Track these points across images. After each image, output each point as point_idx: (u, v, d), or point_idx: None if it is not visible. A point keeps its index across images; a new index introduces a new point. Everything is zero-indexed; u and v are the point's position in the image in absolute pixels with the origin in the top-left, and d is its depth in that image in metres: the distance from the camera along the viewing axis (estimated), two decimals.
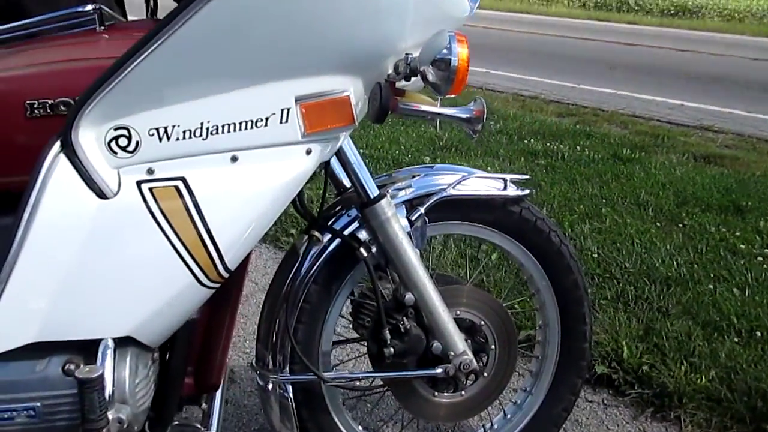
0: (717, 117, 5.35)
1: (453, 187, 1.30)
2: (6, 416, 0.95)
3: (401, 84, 1.09)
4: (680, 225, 2.95)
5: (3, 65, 1.05)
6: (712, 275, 2.45)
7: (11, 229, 0.90)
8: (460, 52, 0.98)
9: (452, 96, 1.05)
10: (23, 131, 1.00)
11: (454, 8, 1.11)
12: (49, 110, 0.99)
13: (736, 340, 2.03)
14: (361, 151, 3.76)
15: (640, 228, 2.86)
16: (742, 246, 2.72)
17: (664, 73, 7.47)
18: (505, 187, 1.34)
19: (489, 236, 1.39)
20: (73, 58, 1.05)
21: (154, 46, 0.90)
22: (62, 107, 0.99)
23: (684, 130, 4.88)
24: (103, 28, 1.12)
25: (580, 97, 5.82)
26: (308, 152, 1.05)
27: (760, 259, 2.62)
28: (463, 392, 1.37)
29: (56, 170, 0.91)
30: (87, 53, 1.06)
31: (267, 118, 1.00)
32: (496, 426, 1.50)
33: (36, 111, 0.99)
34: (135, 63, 0.90)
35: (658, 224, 2.94)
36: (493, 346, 1.38)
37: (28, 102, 0.99)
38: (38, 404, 0.95)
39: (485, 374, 1.38)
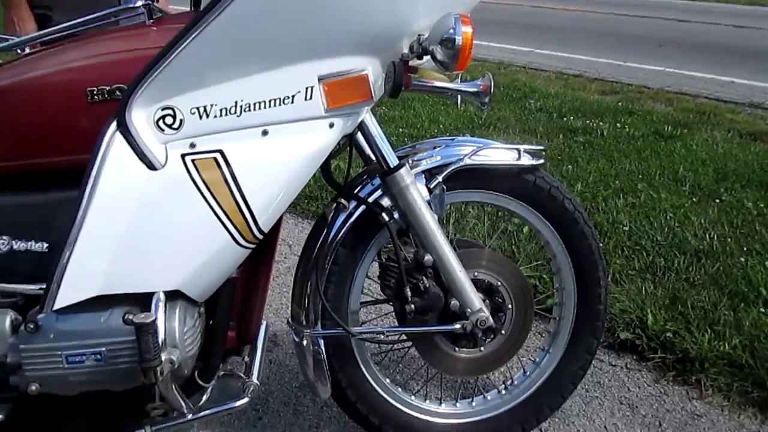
0: None
1: (469, 157, 1.40)
2: (78, 360, 1.11)
3: (414, 62, 1.20)
4: (717, 200, 2.96)
5: (67, 57, 1.20)
6: (744, 248, 2.47)
7: (76, 200, 1.06)
8: (465, 32, 1.08)
9: (459, 72, 1.15)
10: (85, 115, 1.15)
11: None
12: (107, 96, 1.14)
13: (762, 310, 2.07)
14: (401, 130, 3.89)
15: (675, 203, 2.88)
16: None
17: (717, 50, 7.28)
18: (519, 157, 1.43)
19: (506, 203, 1.48)
20: (126, 49, 1.20)
21: (193, 35, 1.04)
22: (118, 93, 1.14)
23: (732, 108, 4.80)
24: (151, 21, 1.26)
25: (626, 75, 5.76)
26: (331, 125, 1.17)
27: None
28: (482, 348, 1.48)
29: (113, 147, 1.06)
30: (138, 44, 1.21)
31: (293, 96, 1.13)
32: (516, 382, 1.60)
33: (96, 96, 1.14)
34: (177, 51, 1.04)
35: (694, 199, 2.96)
36: (510, 306, 1.48)
37: (89, 89, 1.14)
38: (103, 349, 1.11)
39: (503, 332, 1.49)
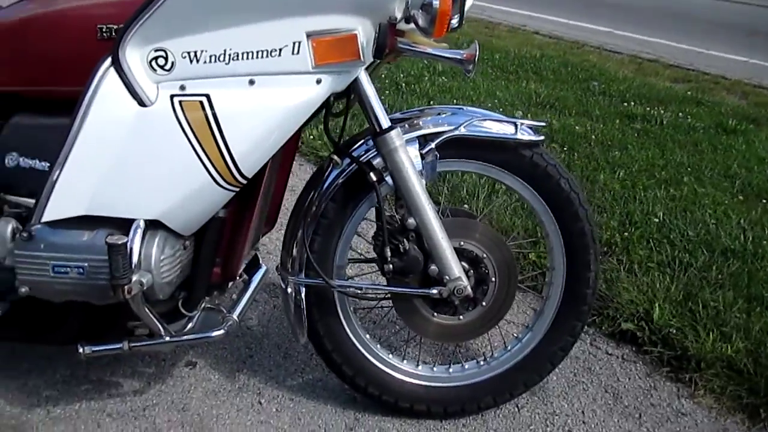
0: None
1: (464, 126, 1.41)
2: (63, 271, 1.22)
3: (402, 26, 1.22)
4: (765, 201, 2.83)
5: None
6: None
7: (69, 123, 1.15)
8: None
9: (437, 38, 1.16)
10: (93, 50, 1.22)
11: None
12: (114, 33, 1.22)
13: None
14: (455, 101, 3.88)
15: (718, 199, 2.78)
16: None
17: None
18: (517, 131, 1.43)
19: (501, 177, 1.49)
20: None
21: None
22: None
23: None
24: None
25: (705, 64, 5.50)
26: (318, 81, 1.21)
27: None
28: (461, 317, 1.51)
29: (106, 81, 1.14)
30: None
31: (281, 49, 1.17)
32: (496, 355, 1.62)
33: (104, 33, 1.23)
34: None
35: (740, 197, 2.84)
36: (493, 279, 1.50)
37: (99, 26, 1.22)
38: (86, 264, 1.21)
39: (483, 304, 1.51)
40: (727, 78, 5.01)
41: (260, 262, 1.70)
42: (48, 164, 1.24)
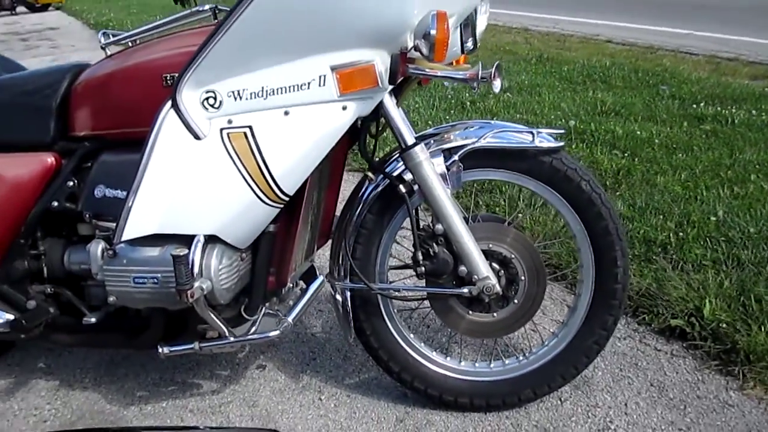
0: None
1: (484, 138, 1.55)
2: (141, 281, 1.46)
3: (412, 54, 1.38)
4: None
5: (150, 51, 1.54)
6: None
7: (139, 158, 1.39)
8: (439, 28, 1.25)
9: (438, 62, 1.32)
10: (161, 95, 1.46)
11: None
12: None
13: None
14: (519, 116, 3.99)
15: None
16: None
17: None
18: (533, 140, 1.55)
19: (524, 182, 1.61)
20: (192, 44, 1.49)
21: (222, 33, 1.31)
22: None
23: None
24: (215, 21, 1.56)
25: None
26: (344, 108, 1.40)
27: None
28: (494, 314, 1.63)
29: (167, 120, 1.38)
30: (200, 40, 1.49)
31: (309, 83, 1.36)
32: (534, 350, 1.73)
33: (168, 81, 1.46)
34: (211, 46, 1.32)
35: None
36: (522, 278, 1.62)
37: (163, 75, 1.46)
38: (158, 275, 1.45)
39: (515, 301, 1.63)
40: None
41: (316, 272, 1.89)
42: (125, 192, 1.48)
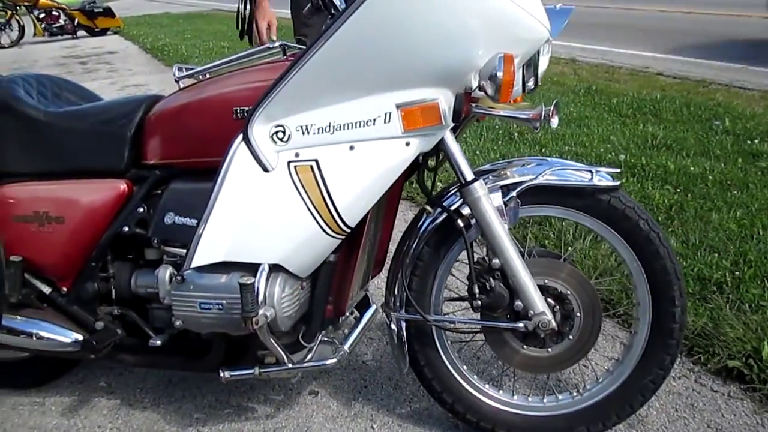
0: None
1: (543, 176, 1.57)
2: (207, 307, 1.52)
3: (476, 93, 1.42)
4: None
5: (222, 85, 1.62)
6: None
7: (210, 188, 1.45)
8: (506, 70, 1.29)
9: (503, 103, 1.35)
10: (232, 127, 1.53)
11: (526, 33, 1.39)
12: (246, 114, 1.52)
13: None
14: (567, 148, 3.98)
15: None
16: None
17: None
18: (592, 178, 1.57)
19: (581, 219, 1.62)
20: (261, 79, 1.56)
21: (296, 71, 1.38)
22: None
23: None
24: (284, 57, 1.64)
25: None
26: (407, 144, 1.44)
27: None
28: (549, 349, 1.64)
29: (238, 153, 1.44)
30: (270, 76, 1.55)
31: (375, 119, 1.41)
32: (588, 386, 1.72)
33: (239, 114, 1.53)
34: (284, 82, 1.39)
35: None
36: (578, 314, 1.62)
37: (234, 108, 1.53)
38: (224, 301, 1.50)
39: (570, 337, 1.63)
40: None
41: (370, 301, 1.93)
42: (195, 220, 1.55)
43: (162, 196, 1.65)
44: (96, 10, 14.19)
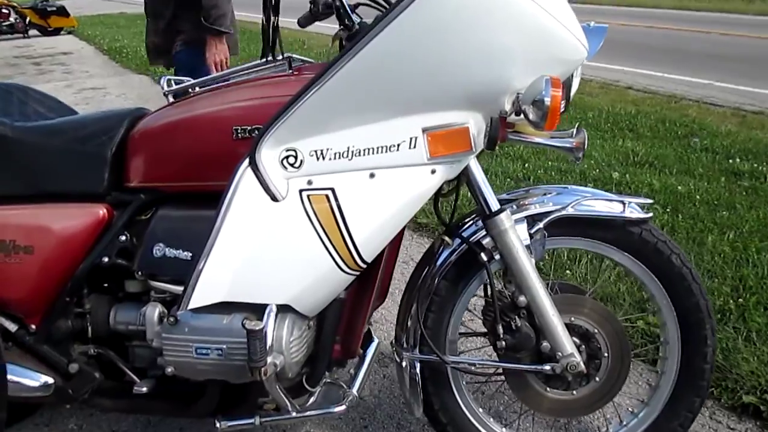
0: None
1: (572, 206, 1.45)
2: (204, 352, 1.34)
3: (512, 118, 1.29)
4: None
5: (219, 100, 1.44)
6: None
7: (213, 219, 1.28)
8: (554, 95, 1.16)
9: (549, 131, 1.23)
10: (230, 148, 1.36)
11: (566, 53, 1.27)
12: (248, 134, 1.35)
13: None
14: (550, 163, 3.89)
15: None
16: None
17: None
18: (624, 210, 1.46)
19: (609, 253, 1.51)
20: (266, 95, 1.41)
21: (315, 89, 1.22)
22: (257, 132, 1.35)
23: None
24: (290, 71, 1.48)
25: None
26: (433, 172, 1.30)
27: None
28: (574, 392, 1.52)
29: (244, 179, 1.27)
30: (276, 92, 1.41)
31: (399, 145, 1.27)
32: (611, 430, 1.61)
33: (239, 134, 1.36)
34: (301, 102, 1.23)
35: None
36: (606, 354, 1.51)
37: (234, 127, 1.36)
38: (224, 346, 1.33)
39: (597, 379, 1.51)
40: None
41: (372, 335, 1.77)
42: (190, 254, 1.37)
43: (149, 224, 1.46)
44: (49, 9, 13.65)
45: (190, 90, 1.62)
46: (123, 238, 1.48)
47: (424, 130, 1.26)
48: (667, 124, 4.83)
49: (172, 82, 1.60)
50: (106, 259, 1.48)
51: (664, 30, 10.24)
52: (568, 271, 2.56)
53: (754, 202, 3.31)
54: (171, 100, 1.57)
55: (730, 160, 3.97)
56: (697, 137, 4.45)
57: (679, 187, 3.48)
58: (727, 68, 7.22)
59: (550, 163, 3.97)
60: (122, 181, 1.51)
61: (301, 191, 1.29)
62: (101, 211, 1.49)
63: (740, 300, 2.33)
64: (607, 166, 3.91)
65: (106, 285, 1.55)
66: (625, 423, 1.60)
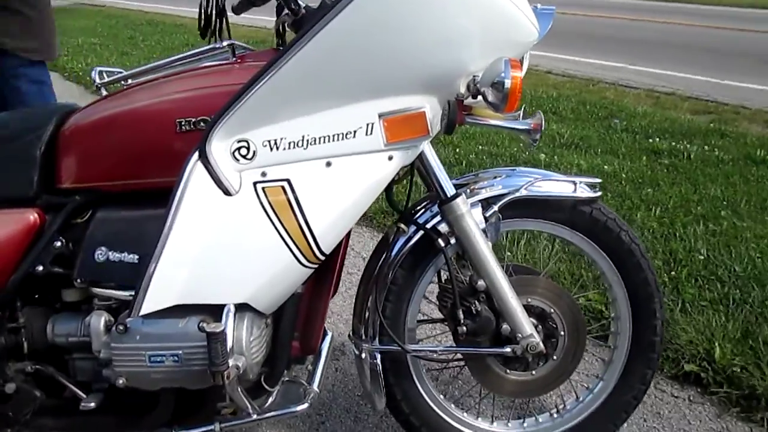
0: None
1: (525, 188, 1.46)
2: (158, 360, 1.26)
3: (469, 101, 1.28)
4: None
5: (159, 92, 1.36)
6: None
7: (163, 218, 1.21)
8: (514, 76, 1.15)
9: (508, 113, 1.22)
10: (174, 143, 1.29)
11: (520, 35, 1.27)
12: (192, 126, 1.28)
13: None
14: (480, 147, 3.92)
15: (760, 233, 2.79)
16: None
17: None
18: (576, 189, 1.48)
19: (561, 233, 1.53)
20: (210, 84, 1.34)
21: (268, 76, 1.17)
22: (202, 124, 1.27)
23: None
24: (234, 59, 1.41)
25: (723, 94, 5.55)
26: (390, 158, 1.27)
27: None
28: (533, 372, 1.53)
29: (194, 174, 1.20)
30: (221, 80, 1.34)
31: (355, 131, 1.23)
32: (568, 407, 1.64)
33: (183, 127, 1.29)
34: (253, 91, 1.17)
35: None
36: (562, 333, 1.53)
37: (177, 120, 1.29)
38: (180, 352, 1.25)
39: (554, 357, 1.53)
40: (747, 108, 5.05)
41: (326, 329, 1.73)
42: (137, 256, 1.29)
43: (87, 228, 1.36)
44: None
45: (122, 82, 1.53)
46: (58, 243, 1.38)
47: (380, 116, 1.23)
48: (587, 107, 4.99)
49: (104, 74, 1.50)
50: (40, 268, 1.37)
51: (574, 16, 10.55)
52: (508, 253, 2.59)
53: (675, 178, 3.46)
54: (104, 93, 1.47)
55: (650, 140, 4.14)
56: (618, 118, 4.62)
57: (605, 167, 3.60)
58: (637, 51, 7.53)
59: (480, 147, 4.02)
60: (54, 182, 1.40)
61: (255, 183, 1.23)
62: (31, 216, 1.38)
63: (672, 273, 2.44)
64: (536, 149, 3.99)
65: (40, 296, 1.44)
66: (581, 399, 1.63)
